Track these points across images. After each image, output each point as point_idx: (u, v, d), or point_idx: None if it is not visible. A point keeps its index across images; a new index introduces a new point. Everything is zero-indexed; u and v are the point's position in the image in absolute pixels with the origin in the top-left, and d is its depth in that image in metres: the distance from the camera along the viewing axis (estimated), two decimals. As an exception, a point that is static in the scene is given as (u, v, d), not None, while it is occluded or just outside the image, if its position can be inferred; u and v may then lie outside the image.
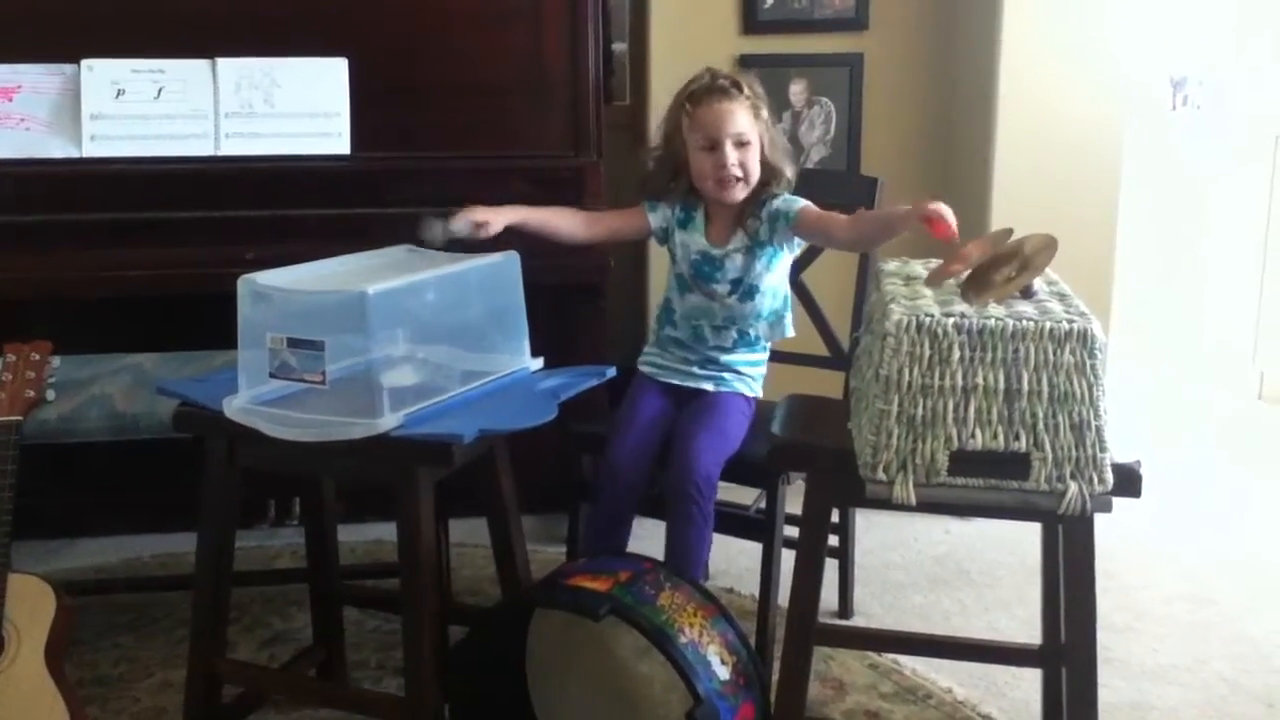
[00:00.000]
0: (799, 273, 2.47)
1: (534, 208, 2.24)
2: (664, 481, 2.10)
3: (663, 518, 2.11)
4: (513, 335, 1.99)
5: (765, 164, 2.18)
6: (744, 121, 2.14)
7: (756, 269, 2.20)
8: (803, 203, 2.18)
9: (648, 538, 2.20)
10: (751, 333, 2.24)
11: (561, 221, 2.27)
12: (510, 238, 2.13)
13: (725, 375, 2.24)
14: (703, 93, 2.16)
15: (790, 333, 2.28)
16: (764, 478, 2.16)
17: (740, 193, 2.18)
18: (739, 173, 2.15)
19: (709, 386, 2.23)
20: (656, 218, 2.27)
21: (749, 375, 2.27)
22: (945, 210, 1.76)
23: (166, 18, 2.72)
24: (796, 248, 2.26)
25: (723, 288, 2.22)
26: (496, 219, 2.14)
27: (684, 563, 2.04)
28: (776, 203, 2.18)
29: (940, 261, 1.77)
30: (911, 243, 1.93)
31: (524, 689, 1.98)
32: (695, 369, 2.26)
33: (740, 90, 2.15)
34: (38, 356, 1.97)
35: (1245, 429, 4.00)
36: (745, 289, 2.21)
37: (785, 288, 2.28)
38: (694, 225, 2.25)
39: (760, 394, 2.28)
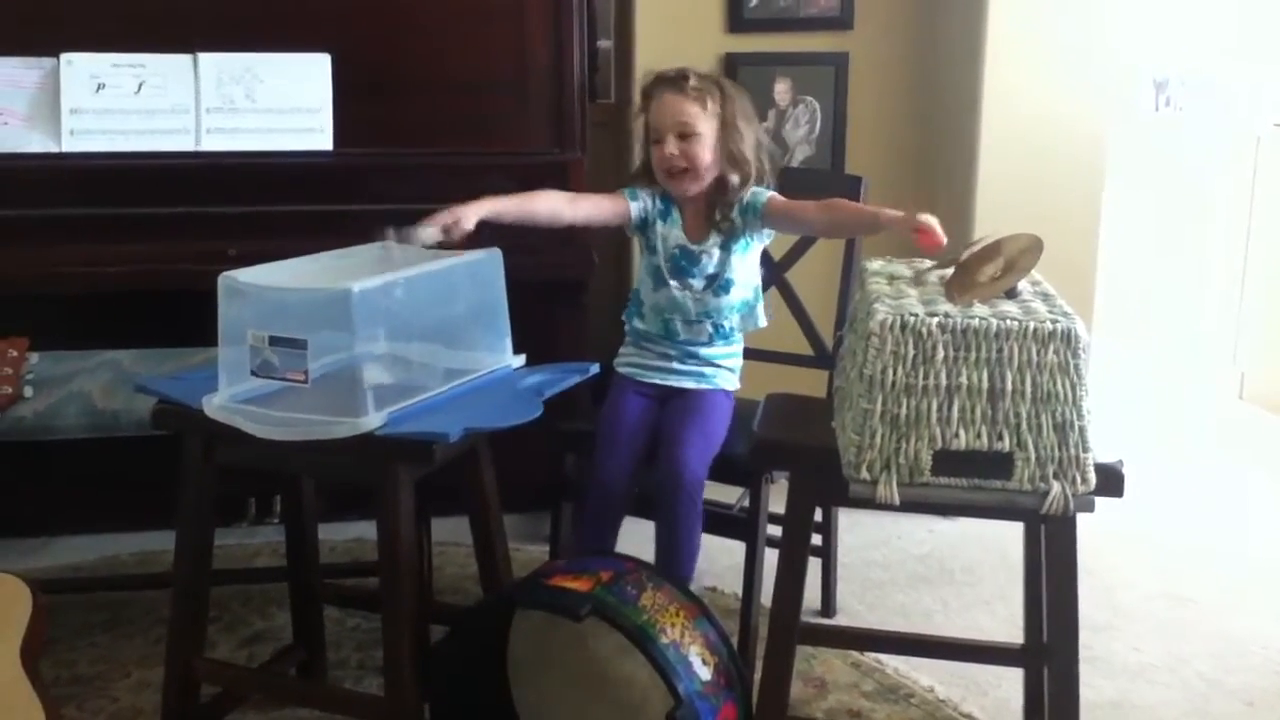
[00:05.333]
0: (782, 271, 2.47)
1: (507, 196, 2.13)
2: (652, 482, 2.09)
3: (647, 516, 2.11)
4: (495, 332, 1.98)
5: (731, 158, 2.16)
6: (689, 112, 2.13)
7: (731, 263, 2.21)
8: (769, 193, 2.19)
9: (631, 535, 2.19)
10: (726, 325, 2.23)
11: (540, 205, 2.19)
12: (493, 233, 2.06)
13: (706, 371, 2.24)
14: (651, 86, 2.18)
15: (763, 323, 2.27)
16: (747, 476, 2.16)
17: (689, 184, 2.17)
18: (681, 164, 2.14)
19: (691, 384, 2.22)
20: (637, 206, 2.24)
21: (727, 368, 2.26)
22: (935, 223, 1.84)
23: (147, 11, 2.70)
24: (766, 238, 2.26)
25: (698, 282, 2.21)
26: (467, 215, 2.01)
27: (675, 562, 2.04)
28: (745, 198, 2.19)
29: (928, 263, 1.79)
30: (895, 242, 1.94)
31: (505, 688, 1.97)
32: (676, 364, 2.24)
33: (686, 80, 2.15)
34: (15, 353, 1.96)
35: (1226, 429, 4.02)
36: (720, 284, 2.21)
37: (756, 279, 2.27)
38: (672, 219, 2.24)
39: (739, 386, 2.28)
